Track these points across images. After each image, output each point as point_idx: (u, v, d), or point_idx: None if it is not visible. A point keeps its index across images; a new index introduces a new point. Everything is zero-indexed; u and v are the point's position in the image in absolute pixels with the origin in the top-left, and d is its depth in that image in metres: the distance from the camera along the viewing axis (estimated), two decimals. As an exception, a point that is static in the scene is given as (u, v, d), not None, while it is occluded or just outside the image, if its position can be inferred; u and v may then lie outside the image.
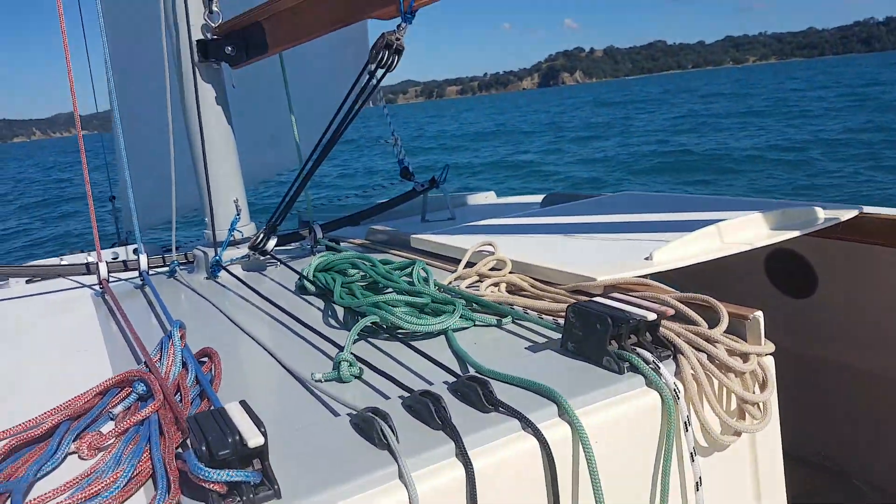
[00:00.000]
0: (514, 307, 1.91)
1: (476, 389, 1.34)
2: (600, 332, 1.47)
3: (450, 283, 2.18)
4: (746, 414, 1.46)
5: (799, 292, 3.00)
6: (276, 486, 1.11)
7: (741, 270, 3.09)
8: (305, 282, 2.34)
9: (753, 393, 1.45)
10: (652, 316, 1.45)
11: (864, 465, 2.79)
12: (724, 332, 1.51)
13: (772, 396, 1.48)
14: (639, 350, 1.45)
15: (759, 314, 1.52)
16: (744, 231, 2.18)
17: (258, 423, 1.12)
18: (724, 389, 1.46)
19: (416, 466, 1.17)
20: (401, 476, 1.15)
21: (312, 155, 2.62)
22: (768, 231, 2.22)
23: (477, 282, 2.19)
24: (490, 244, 2.35)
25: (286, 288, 2.51)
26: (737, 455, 1.49)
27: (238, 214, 2.85)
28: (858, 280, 2.73)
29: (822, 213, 2.37)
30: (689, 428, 1.38)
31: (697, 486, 1.38)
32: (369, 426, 1.25)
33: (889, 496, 2.69)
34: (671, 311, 1.50)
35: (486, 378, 1.38)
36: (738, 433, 1.46)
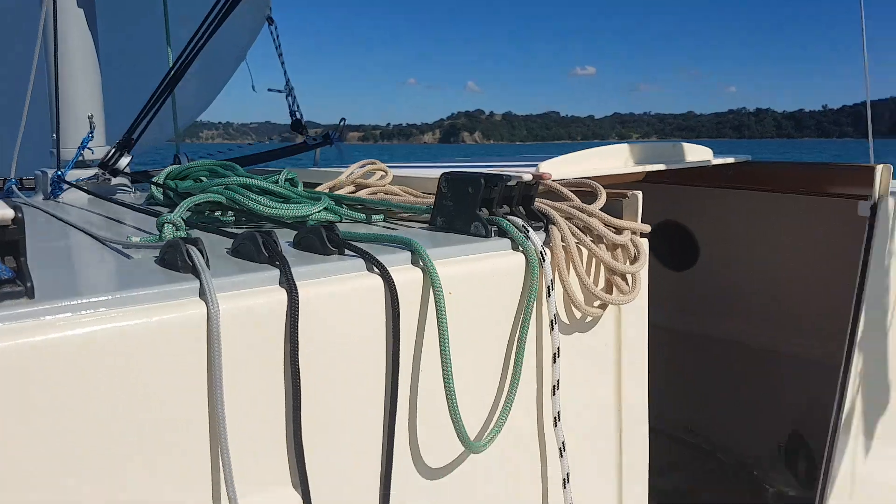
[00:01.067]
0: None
1: (320, 233, 1.17)
2: (471, 196, 1.35)
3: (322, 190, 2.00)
4: (614, 287, 1.39)
5: (681, 265, 3.06)
6: (28, 284, 0.91)
7: None
8: (154, 189, 2.07)
9: (624, 264, 1.39)
10: (528, 176, 1.35)
11: (732, 441, 2.82)
12: (602, 209, 1.43)
13: (642, 272, 1.41)
14: (510, 217, 1.34)
15: (638, 193, 1.47)
16: (625, 156, 2.19)
17: (16, 208, 0.92)
18: (594, 261, 1.38)
19: (226, 288, 1.00)
20: (202, 293, 0.96)
21: (177, 63, 2.38)
22: (649, 157, 2.25)
23: (354, 192, 2.02)
24: (374, 162, 2.21)
25: (135, 208, 2.23)
26: (601, 329, 1.42)
27: (91, 132, 2.53)
28: (739, 245, 2.83)
29: (705, 154, 2.44)
30: (552, 294, 1.28)
31: (555, 356, 1.29)
32: (174, 252, 1.05)
33: (755, 471, 2.71)
34: (549, 175, 1.40)
35: (333, 223, 1.22)
36: (603, 305, 1.38)
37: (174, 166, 2.13)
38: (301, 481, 1.06)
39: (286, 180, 1.89)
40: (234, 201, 1.56)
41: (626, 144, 2.25)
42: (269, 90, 3.72)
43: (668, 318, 3.08)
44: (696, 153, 2.45)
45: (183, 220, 1.34)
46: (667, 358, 3.10)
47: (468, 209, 1.34)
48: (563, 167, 1.98)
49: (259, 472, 1.06)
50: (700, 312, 3.02)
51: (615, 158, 2.21)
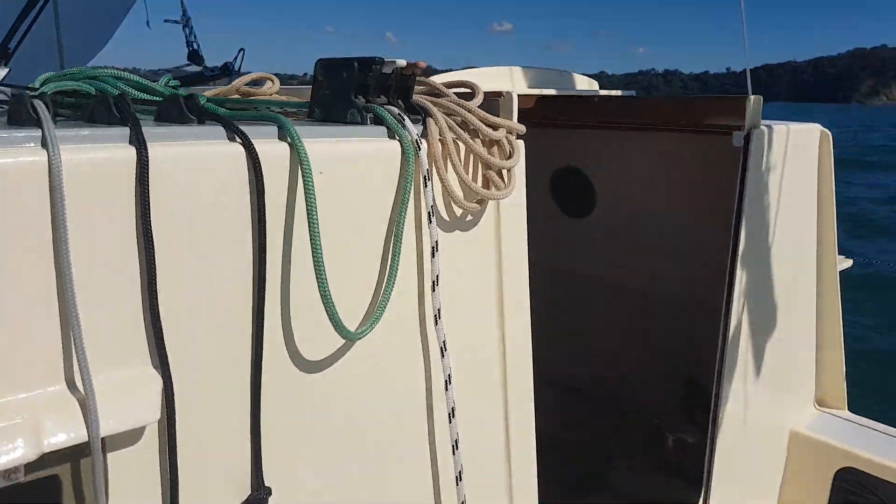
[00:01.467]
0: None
1: (179, 102, 1.14)
2: (346, 81, 1.34)
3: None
4: (491, 183, 1.42)
5: (581, 212, 3.13)
6: None
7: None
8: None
9: (500, 160, 1.42)
10: (402, 62, 1.36)
11: (634, 391, 2.89)
12: (480, 106, 1.46)
13: (518, 169, 1.45)
14: (386, 106, 1.35)
15: (513, 93, 1.50)
16: (515, 77, 2.22)
17: None
18: (471, 156, 1.41)
19: (70, 140, 0.96)
20: (44, 143, 0.92)
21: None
22: (537, 82, 2.28)
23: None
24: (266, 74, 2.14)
25: None
26: (481, 226, 1.46)
27: None
28: (632, 188, 2.90)
29: (591, 85, 2.49)
30: (430, 184, 1.29)
31: (434, 250, 1.31)
32: (19, 106, 1.01)
33: (656, 420, 2.77)
34: (424, 65, 1.41)
35: (194, 94, 1.19)
36: (481, 201, 1.41)
37: (51, 73, 2.00)
38: (161, 362, 1.01)
39: (167, 84, 1.83)
40: (102, 92, 1.49)
41: (516, 67, 2.26)
42: (166, 21, 3.54)
43: (571, 264, 3.17)
44: (582, 83, 2.49)
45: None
46: (569, 306, 3.17)
47: (344, 96, 1.34)
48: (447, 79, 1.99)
49: (114, 347, 1.00)
50: (601, 259, 3.09)
51: (504, 79, 2.23)
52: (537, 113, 2.63)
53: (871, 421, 2.58)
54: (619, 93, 2.59)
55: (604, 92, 2.59)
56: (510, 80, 2.27)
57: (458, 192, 1.38)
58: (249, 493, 1.14)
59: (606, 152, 2.97)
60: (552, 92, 2.26)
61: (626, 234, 3.01)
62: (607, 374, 3.06)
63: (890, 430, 2.53)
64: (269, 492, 1.15)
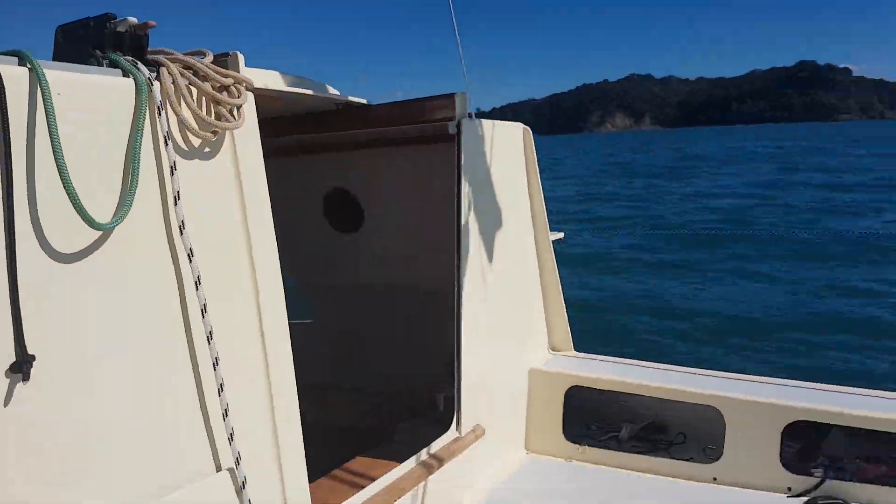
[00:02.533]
0: None
1: None
2: (84, 39, 1.52)
3: None
4: (222, 117, 1.63)
5: (350, 227, 3.41)
6: None
7: (300, 213, 3.43)
8: None
9: (230, 98, 1.65)
10: (134, 20, 1.56)
11: (413, 377, 3.12)
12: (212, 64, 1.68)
13: (247, 105, 1.70)
14: (121, 57, 1.53)
15: (239, 53, 1.77)
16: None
17: None
18: (204, 98, 1.62)
19: None
20: None
21: None
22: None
23: None
24: None
25: None
26: (219, 155, 1.66)
27: None
28: (388, 200, 3.19)
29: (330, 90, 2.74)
30: (164, 114, 1.49)
31: (173, 169, 1.49)
32: None
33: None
34: (154, 24, 1.63)
35: None
36: (214, 131, 1.61)
37: None
38: None
39: None
40: None
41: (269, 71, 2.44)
42: None
43: (345, 276, 3.43)
44: (320, 88, 2.74)
45: None
46: (351, 315, 3.42)
47: (82, 52, 1.51)
48: None
49: None
50: (369, 267, 3.38)
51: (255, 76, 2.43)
52: (286, 126, 2.90)
53: (591, 354, 3.23)
54: (353, 99, 2.79)
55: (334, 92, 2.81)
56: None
57: (193, 124, 1.58)
58: (13, 360, 1.21)
59: (367, 171, 3.28)
60: (291, 90, 2.45)
61: (393, 241, 3.36)
62: (392, 366, 3.32)
63: (600, 357, 3.19)
64: (32, 358, 1.22)
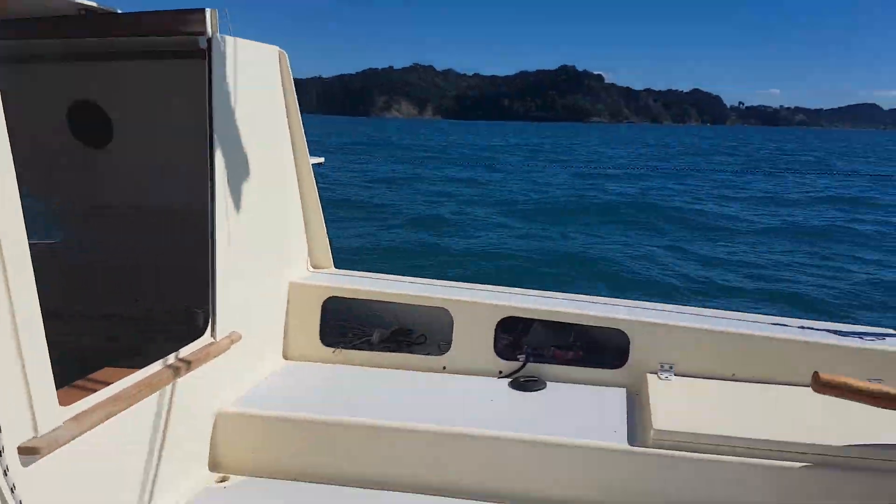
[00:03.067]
0: None
1: None
2: None
3: None
4: None
5: (97, 143, 3.30)
6: None
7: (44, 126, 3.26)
8: None
9: None
10: None
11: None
12: None
13: None
14: None
15: None
16: None
17: None
18: None
19: None
20: None
21: None
22: None
23: None
24: None
25: None
26: None
27: None
28: (136, 115, 3.14)
29: None
30: None
31: None
32: None
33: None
34: None
35: None
36: None
37: None
38: None
39: None
40: None
41: None
42: None
43: (95, 195, 3.32)
44: None
45: None
46: (98, 237, 3.30)
47: None
48: None
49: None
50: (119, 186, 3.33)
51: None
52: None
53: (348, 271, 3.55)
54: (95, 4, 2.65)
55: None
56: None
57: None
58: None
59: (115, 83, 3.21)
60: None
61: (145, 159, 3.32)
62: (147, 288, 3.32)
63: (356, 273, 3.52)
64: None
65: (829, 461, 2.27)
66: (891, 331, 2.92)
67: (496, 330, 3.06)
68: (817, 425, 2.40)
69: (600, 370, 2.98)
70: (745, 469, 2.31)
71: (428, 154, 49.96)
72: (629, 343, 2.94)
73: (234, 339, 2.58)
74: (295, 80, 3.23)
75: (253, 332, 2.82)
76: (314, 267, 3.51)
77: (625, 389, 2.88)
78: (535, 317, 3.08)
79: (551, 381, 2.95)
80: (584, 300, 3.21)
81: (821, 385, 2.18)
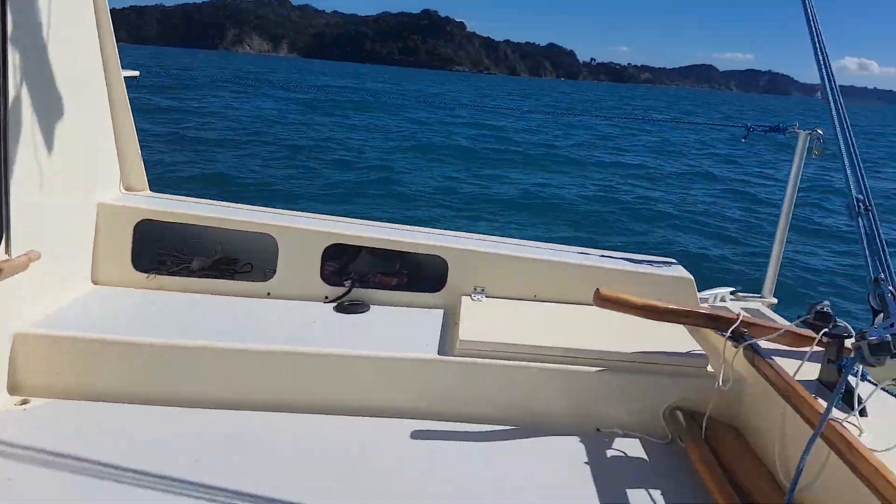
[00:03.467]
0: None
1: None
2: None
3: None
4: None
5: None
6: None
7: None
8: None
9: None
10: None
11: None
12: None
13: None
14: None
15: None
16: None
17: None
18: None
19: None
20: None
21: None
22: None
23: None
24: None
25: None
26: None
27: None
28: None
29: None
30: None
31: None
32: None
33: None
34: None
35: None
36: None
37: None
38: None
39: None
40: None
41: None
42: None
43: None
44: None
45: None
46: None
47: None
48: None
49: None
50: None
51: None
52: None
53: (165, 194, 3.43)
54: None
55: None
56: None
57: None
58: None
59: None
60: None
61: None
62: None
63: (173, 196, 3.39)
64: None
65: (610, 365, 2.60)
66: (672, 260, 3.33)
67: (322, 257, 3.10)
68: (602, 336, 2.72)
69: (421, 294, 3.14)
70: (539, 373, 2.59)
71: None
72: (447, 269, 3.11)
73: (32, 257, 2.44)
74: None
75: (56, 253, 2.69)
76: (127, 189, 3.34)
77: (443, 311, 3.06)
78: (362, 244, 3.15)
79: (376, 305, 3.06)
80: (408, 230, 3.34)
81: (601, 300, 2.48)
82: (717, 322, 2.56)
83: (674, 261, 3.31)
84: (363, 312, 2.98)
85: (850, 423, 1.94)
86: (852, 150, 2.21)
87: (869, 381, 2.13)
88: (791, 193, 3.27)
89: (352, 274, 3.18)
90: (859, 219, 2.02)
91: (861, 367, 1.98)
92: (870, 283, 1.94)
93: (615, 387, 2.59)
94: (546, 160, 21.30)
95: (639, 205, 15.38)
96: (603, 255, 3.26)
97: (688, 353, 2.64)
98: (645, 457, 2.44)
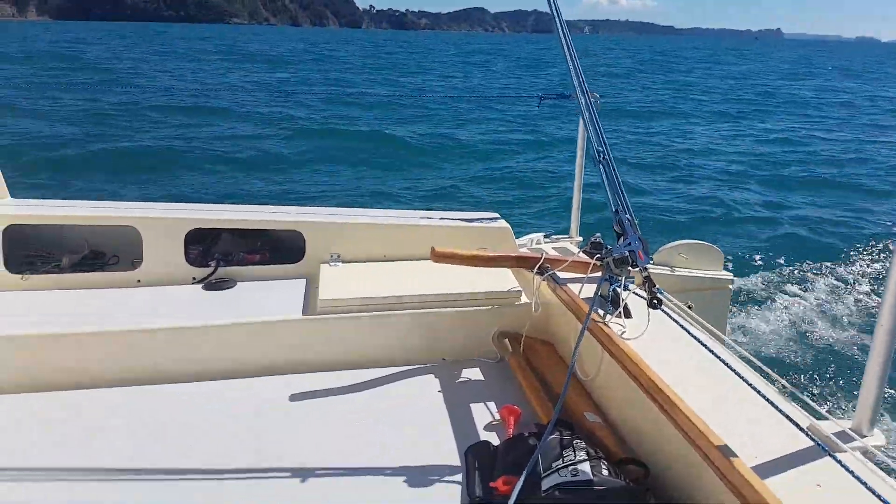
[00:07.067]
0: None
1: None
2: None
3: None
4: None
5: None
6: None
7: None
8: None
9: None
10: None
11: None
12: None
13: None
14: None
15: None
16: None
17: None
18: None
19: None
20: None
21: None
22: None
23: None
24: None
25: None
26: None
27: None
28: None
29: None
30: None
31: None
32: None
33: None
34: None
35: None
36: None
37: None
38: None
39: None
40: None
41: None
42: None
43: None
44: None
45: None
46: None
47: None
48: None
49: None
50: None
51: None
52: None
53: (29, 199, 3.54)
54: None
55: None
56: None
57: None
58: None
59: None
60: None
61: None
62: None
63: (38, 201, 3.54)
64: None
65: (448, 305, 3.17)
66: (496, 214, 3.92)
67: (186, 242, 3.42)
68: (442, 282, 3.27)
69: (284, 266, 3.54)
70: (391, 319, 3.09)
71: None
72: (305, 241, 3.55)
73: None
74: None
75: None
76: None
77: (305, 279, 3.47)
78: (222, 226, 3.50)
79: (243, 281, 3.44)
80: (266, 209, 3.71)
81: (436, 256, 3.03)
82: (525, 262, 3.23)
83: (497, 215, 3.89)
84: (230, 288, 3.33)
85: (614, 323, 2.61)
86: (592, 111, 2.93)
87: (634, 293, 2.86)
88: (580, 154, 3.95)
89: (216, 255, 3.54)
90: (600, 165, 2.74)
91: (623, 278, 2.73)
92: (612, 214, 2.67)
93: (454, 322, 3.15)
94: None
95: (472, 174, 16.52)
96: (442, 217, 3.78)
97: (508, 289, 3.24)
98: (481, 375, 3.00)
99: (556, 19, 3.01)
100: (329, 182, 14.84)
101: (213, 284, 3.35)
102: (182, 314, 2.98)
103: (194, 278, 3.43)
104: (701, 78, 52.96)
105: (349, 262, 3.58)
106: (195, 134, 19.56)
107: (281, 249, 3.63)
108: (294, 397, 2.73)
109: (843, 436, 1.89)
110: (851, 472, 1.61)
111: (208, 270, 3.45)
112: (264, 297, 3.23)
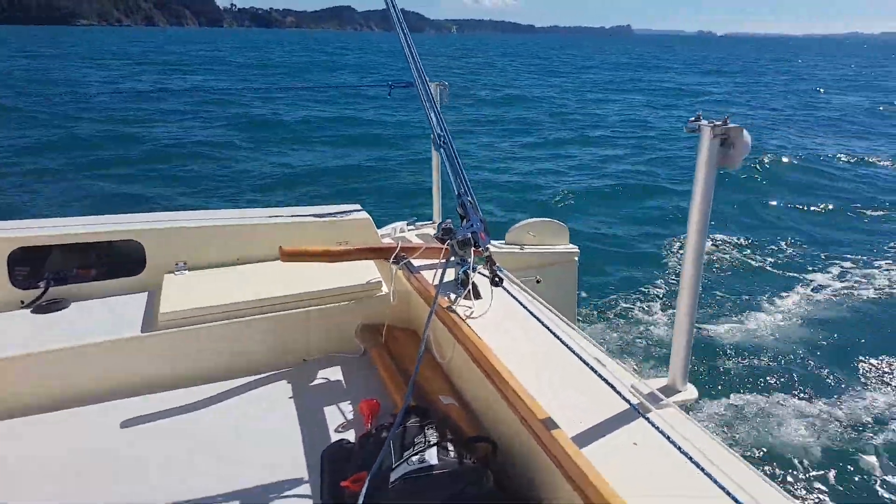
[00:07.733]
0: None
1: None
2: None
3: None
4: None
5: None
6: None
7: None
8: None
9: None
10: None
11: None
12: None
13: None
14: None
15: None
16: None
17: None
18: None
19: None
20: None
21: None
22: None
23: None
24: None
25: None
26: None
27: None
28: None
29: None
30: None
31: None
32: None
33: None
34: None
35: None
36: None
37: None
38: None
39: None
40: None
41: None
42: None
43: None
44: None
45: None
46: None
47: None
48: None
49: None
50: None
51: None
52: None
53: (33, 220, 3.34)
54: None
55: None
56: None
57: None
58: None
59: None
60: None
61: None
62: None
63: (41, 220, 3.34)
64: None
65: (305, 304, 3.08)
66: (356, 206, 3.82)
67: (9, 263, 3.12)
68: (298, 281, 3.16)
69: (123, 280, 3.31)
70: (242, 326, 2.96)
71: None
72: (144, 251, 3.32)
73: None
74: None
75: None
76: None
77: (146, 292, 3.26)
78: (50, 243, 3.21)
79: (77, 301, 3.18)
80: (99, 219, 3.42)
81: (286, 255, 2.91)
82: (380, 253, 3.18)
83: (358, 207, 3.79)
84: (63, 309, 3.07)
85: (463, 306, 2.61)
86: (432, 97, 2.96)
87: (480, 273, 2.93)
88: (434, 137, 3.93)
89: (45, 274, 3.25)
90: (441, 150, 2.76)
91: (471, 260, 2.77)
92: (455, 197, 2.70)
93: (312, 321, 3.06)
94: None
95: (326, 166, 16.28)
96: (293, 215, 3.63)
97: (367, 281, 3.19)
98: (341, 373, 2.93)
99: (395, 16, 3.02)
100: (170, 185, 14.03)
101: (42, 307, 3.09)
102: (7, 343, 2.72)
103: (22, 302, 3.14)
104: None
105: (198, 269, 3.39)
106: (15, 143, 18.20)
107: (118, 262, 3.38)
108: (131, 422, 2.55)
109: (665, 390, 2.01)
110: (658, 429, 1.75)
111: (38, 292, 3.18)
112: (100, 317, 3.00)
